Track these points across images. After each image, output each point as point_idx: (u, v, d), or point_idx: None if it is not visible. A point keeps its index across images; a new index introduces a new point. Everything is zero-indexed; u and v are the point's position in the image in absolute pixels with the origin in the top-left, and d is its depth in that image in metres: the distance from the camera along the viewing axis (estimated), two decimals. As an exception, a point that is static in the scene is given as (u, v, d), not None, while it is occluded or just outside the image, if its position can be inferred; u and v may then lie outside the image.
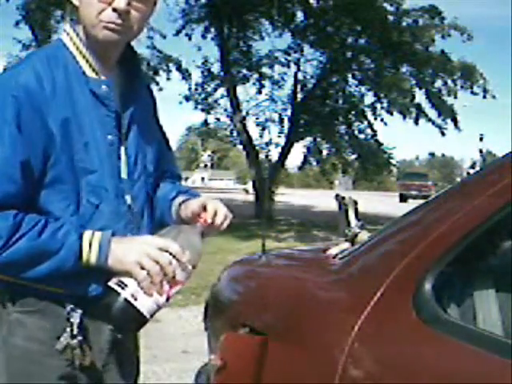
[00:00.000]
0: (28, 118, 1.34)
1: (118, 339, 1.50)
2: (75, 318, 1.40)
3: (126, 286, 1.33)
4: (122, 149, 1.47)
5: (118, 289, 1.33)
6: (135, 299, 1.32)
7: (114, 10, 1.37)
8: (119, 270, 1.35)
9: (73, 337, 1.40)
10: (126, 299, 1.32)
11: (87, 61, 1.45)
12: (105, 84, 1.45)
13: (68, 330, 1.40)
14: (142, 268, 1.33)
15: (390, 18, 15.07)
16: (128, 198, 1.47)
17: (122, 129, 1.47)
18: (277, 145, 16.95)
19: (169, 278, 1.34)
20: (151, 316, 1.36)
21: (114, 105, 1.46)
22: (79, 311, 1.41)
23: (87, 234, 1.36)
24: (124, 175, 1.47)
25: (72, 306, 1.41)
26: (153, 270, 1.33)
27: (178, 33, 15.82)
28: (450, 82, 16.01)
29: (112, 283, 1.35)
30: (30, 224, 1.33)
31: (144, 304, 1.33)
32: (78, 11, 1.43)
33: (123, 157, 1.47)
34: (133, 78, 1.54)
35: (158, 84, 16.92)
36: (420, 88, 16.12)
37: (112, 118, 1.46)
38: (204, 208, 1.48)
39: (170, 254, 1.34)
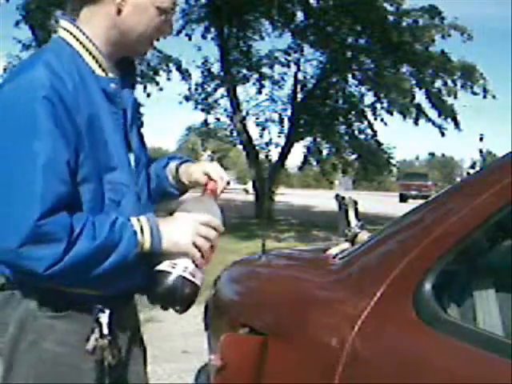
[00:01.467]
0: (62, 117, 1.32)
1: (135, 337, 1.53)
2: (104, 318, 1.41)
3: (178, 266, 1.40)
4: (129, 143, 1.49)
5: (176, 271, 1.39)
6: (193, 276, 1.40)
7: (162, 33, 1.49)
8: (172, 252, 1.39)
9: (102, 337, 1.40)
10: (187, 278, 1.39)
11: (94, 58, 1.44)
12: (113, 82, 1.46)
13: (97, 330, 1.40)
14: (196, 246, 1.39)
15: (390, 18, 15.05)
16: (137, 190, 1.49)
17: (127, 124, 1.49)
18: (277, 145, 16.96)
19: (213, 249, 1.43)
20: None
21: (121, 102, 1.48)
22: (107, 311, 1.41)
23: (135, 221, 1.38)
24: (132, 168, 1.49)
25: (100, 306, 1.41)
26: (205, 246, 1.40)
27: (178, 33, 15.80)
28: (449, 82, 16.00)
29: (166, 267, 1.39)
30: (84, 222, 1.31)
31: (199, 278, 1.42)
32: (116, 14, 1.42)
33: (130, 152, 1.49)
34: (126, 73, 1.55)
35: (157, 84, 16.92)
36: (420, 88, 16.11)
37: (120, 114, 1.47)
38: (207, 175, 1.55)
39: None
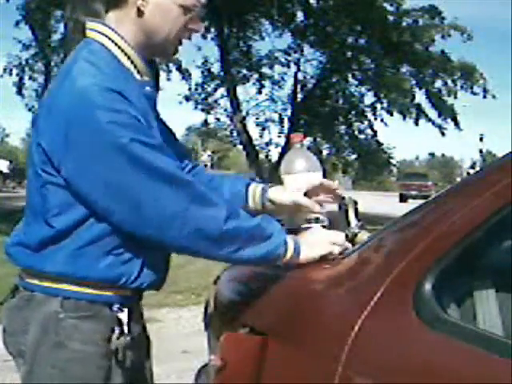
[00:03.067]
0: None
1: (145, 332, 1.56)
2: (124, 317, 1.42)
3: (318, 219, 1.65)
4: None
5: (319, 223, 1.65)
6: None
7: (192, 31, 1.49)
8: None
9: (123, 335, 1.41)
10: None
11: (132, 62, 1.42)
12: (149, 85, 1.46)
13: (117, 329, 1.41)
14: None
15: (390, 18, 15.08)
16: None
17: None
18: (277, 145, 16.98)
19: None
20: None
21: (155, 105, 1.49)
22: (126, 309, 1.43)
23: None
24: None
25: (118, 305, 1.42)
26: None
27: (177, 33, 15.80)
28: (449, 81, 16.03)
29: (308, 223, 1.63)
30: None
31: None
32: (137, 15, 1.41)
33: None
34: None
35: (157, 84, 16.91)
36: (420, 88, 16.14)
37: (155, 118, 1.47)
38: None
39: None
